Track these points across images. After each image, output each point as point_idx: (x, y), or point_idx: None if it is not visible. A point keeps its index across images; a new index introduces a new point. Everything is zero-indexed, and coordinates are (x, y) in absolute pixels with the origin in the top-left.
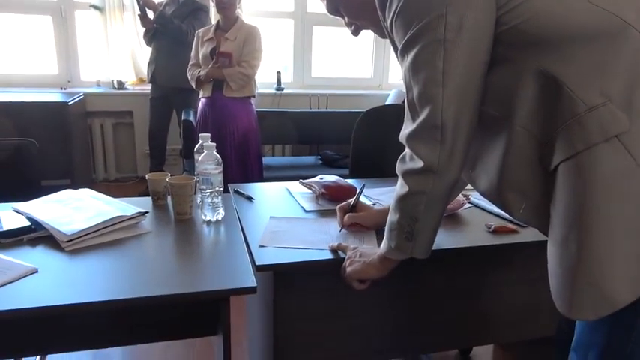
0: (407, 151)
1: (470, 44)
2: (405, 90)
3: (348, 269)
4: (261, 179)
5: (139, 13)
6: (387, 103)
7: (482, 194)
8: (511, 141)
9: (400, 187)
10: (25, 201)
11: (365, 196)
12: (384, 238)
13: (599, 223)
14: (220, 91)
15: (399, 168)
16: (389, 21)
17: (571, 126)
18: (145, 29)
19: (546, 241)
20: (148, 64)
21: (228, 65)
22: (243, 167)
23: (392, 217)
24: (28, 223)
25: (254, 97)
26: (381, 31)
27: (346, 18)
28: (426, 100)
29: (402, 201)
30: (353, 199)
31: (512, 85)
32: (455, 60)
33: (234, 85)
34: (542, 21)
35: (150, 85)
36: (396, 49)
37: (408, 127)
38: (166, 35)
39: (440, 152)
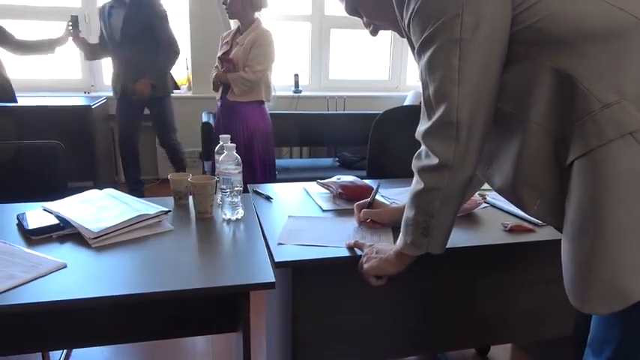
0: (422, 147)
1: (486, 43)
2: (422, 89)
3: (365, 266)
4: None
5: (70, 27)
6: (404, 104)
7: (498, 191)
8: (526, 138)
9: (416, 184)
10: (52, 201)
11: (382, 196)
12: (401, 234)
13: (613, 218)
14: (226, 95)
15: (414, 164)
16: (406, 21)
17: (586, 123)
18: (82, 44)
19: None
20: (114, 80)
21: (233, 70)
22: (248, 171)
23: (408, 213)
24: (56, 221)
25: (266, 101)
26: (399, 30)
27: (364, 18)
28: (441, 97)
29: (417, 197)
30: (370, 197)
31: (528, 83)
32: (471, 59)
33: (237, 89)
34: (557, 19)
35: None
36: (413, 48)
37: (423, 125)
38: (133, 46)
39: (455, 149)
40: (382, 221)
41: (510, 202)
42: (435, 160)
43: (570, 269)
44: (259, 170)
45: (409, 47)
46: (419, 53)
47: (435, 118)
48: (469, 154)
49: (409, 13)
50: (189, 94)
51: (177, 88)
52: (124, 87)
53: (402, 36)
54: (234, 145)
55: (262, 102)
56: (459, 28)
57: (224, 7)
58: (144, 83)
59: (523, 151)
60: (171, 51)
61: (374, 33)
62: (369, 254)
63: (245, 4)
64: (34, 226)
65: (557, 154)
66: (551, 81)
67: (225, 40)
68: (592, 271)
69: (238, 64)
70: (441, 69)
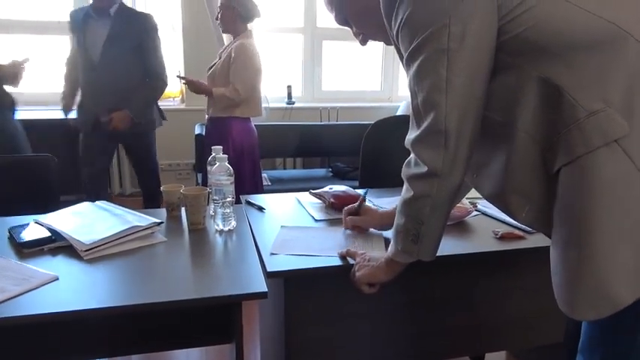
0: (412, 156)
1: (472, 53)
2: (410, 98)
3: (357, 274)
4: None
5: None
6: (396, 114)
7: (487, 198)
8: (514, 145)
9: (405, 192)
10: (45, 214)
11: (374, 205)
12: (391, 241)
13: (600, 225)
14: (210, 110)
15: (404, 172)
16: (395, 31)
17: (572, 131)
18: None
19: None
20: (83, 108)
21: (199, 88)
22: (236, 187)
23: (398, 221)
24: (48, 234)
25: (256, 116)
26: (388, 40)
27: (354, 28)
28: (430, 106)
29: (407, 205)
30: (357, 203)
31: (515, 91)
32: (458, 69)
33: (219, 105)
34: (543, 29)
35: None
36: (402, 57)
37: (412, 133)
38: (115, 69)
39: (444, 157)
40: (367, 226)
41: (499, 209)
42: (423, 168)
43: (559, 275)
44: (248, 185)
45: (399, 56)
46: (407, 63)
47: (423, 126)
48: (457, 162)
49: (397, 23)
50: (183, 106)
51: (165, 119)
52: (96, 116)
53: (390, 44)
54: (226, 156)
55: (245, 118)
56: (447, 38)
57: (217, 22)
58: (123, 115)
59: (511, 158)
60: (159, 81)
61: (363, 42)
62: (360, 263)
63: (235, 17)
64: (26, 239)
65: (544, 162)
66: (538, 90)
67: (219, 52)
68: (580, 277)
69: (201, 85)
70: (429, 78)
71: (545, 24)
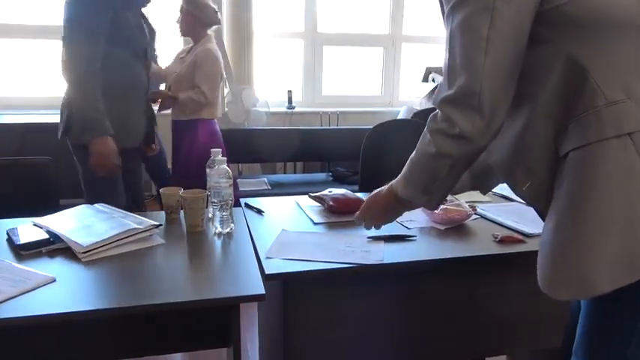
0: (438, 112)
1: (517, 17)
2: (446, 54)
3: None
4: None
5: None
6: (397, 119)
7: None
8: (530, 120)
9: (427, 145)
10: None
11: None
12: (398, 183)
13: (596, 213)
14: (173, 113)
15: (429, 125)
16: None
17: (589, 116)
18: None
19: None
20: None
21: (169, 103)
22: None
23: (412, 170)
24: (46, 236)
25: (214, 118)
26: None
27: None
28: (466, 65)
29: (426, 158)
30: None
31: (541, 67)
32: (500, 29)
33: (185, 108)
34: (584, 4)
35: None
36: (443, 12)
37: (443, 92)
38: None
39: (477, 121)
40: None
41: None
42: (454, 129)
43: (545, 253)
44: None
45: (440, 12)
46: (448, 16)
47: (457, 85)
48: (491, 127)
49: None
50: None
51: None
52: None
53: None
54: (225, 158)
55: (210, 119)
56: None
57: (178, 25)
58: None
59: (525, 132)
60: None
61: None
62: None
63: (195, 24)
64: (24, 241)
65: (555, 142)
66: (564, 69)
67: (180, 56)
68: (564, 256)
69: (168, 100)
70: (470, 36)
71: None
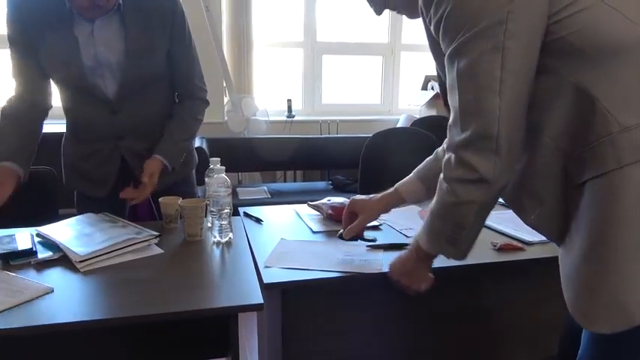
0: (453, 158)
1: (526, 53)
2: (449, 94)
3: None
4: None
5: None
6: (396, 127)
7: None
8: (537, 150)
9: (446, 194)
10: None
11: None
12: (422, 240)
13: (621, 242)
14: None
15: (445, 175)
16: (435, 19)
17: (604, 144)
18: None
19: (552, 258)
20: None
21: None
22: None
23: (435, 223)
24: (29, 246)
25: None
26: (411, 13)
27: None
28: (481, 108)
29: (449, 208)
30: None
31: (549, 95)
32: (512, 69)
33: None
34: (588, 35)
35: None
36: (431, 40)
37: (456, 135)
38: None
39: (496, 163)
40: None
41: (509, 205)
42: (474, 174)
43: (575, 288)
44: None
45: (427, 38)
46: (451, 57)
47: (472, 129)
48: (510, 166)
49: (440, 11)
50: None
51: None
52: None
53: (413, 18)
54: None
55: None
56: (503, 35)
57: None
58: (155, 164)
59: (532, 162)
60: (202, 98)
61: (378, 12)
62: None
63: None
64: (5, 251)
65: (566, 171)
66: (571, 98)
67: None
68: (599, 290)
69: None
70: (483, 78)
71: (590, 29)
